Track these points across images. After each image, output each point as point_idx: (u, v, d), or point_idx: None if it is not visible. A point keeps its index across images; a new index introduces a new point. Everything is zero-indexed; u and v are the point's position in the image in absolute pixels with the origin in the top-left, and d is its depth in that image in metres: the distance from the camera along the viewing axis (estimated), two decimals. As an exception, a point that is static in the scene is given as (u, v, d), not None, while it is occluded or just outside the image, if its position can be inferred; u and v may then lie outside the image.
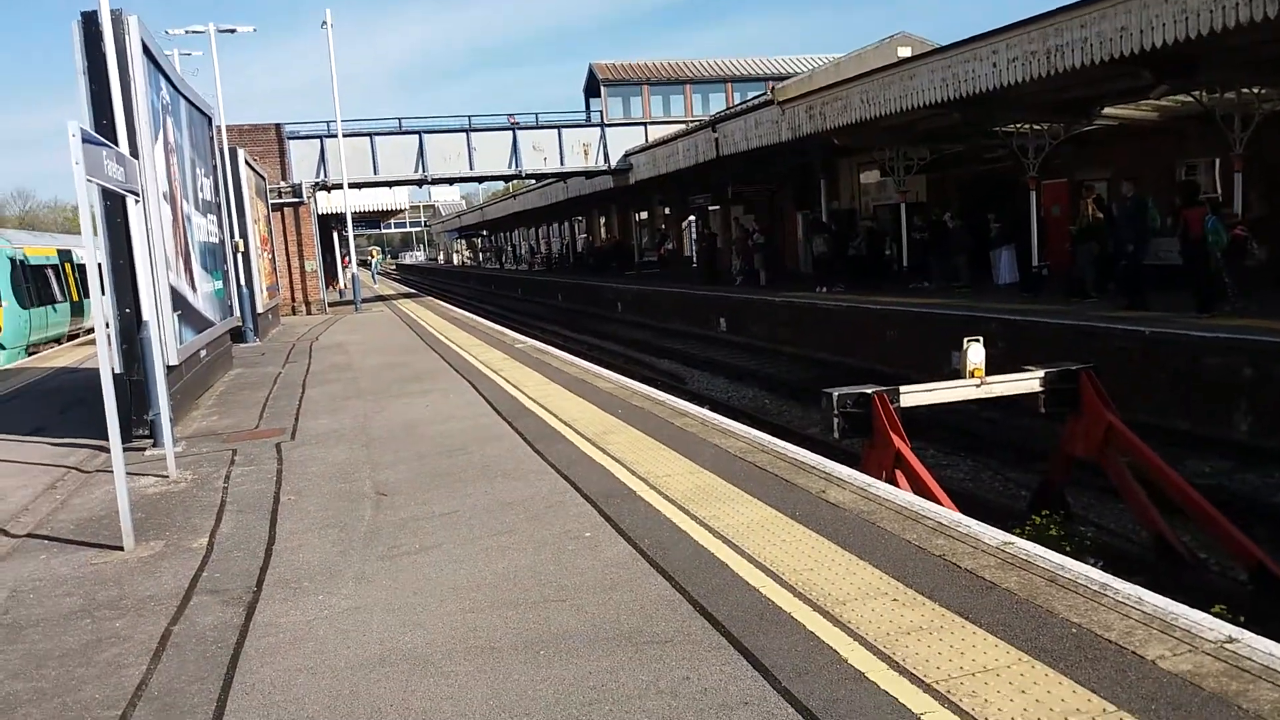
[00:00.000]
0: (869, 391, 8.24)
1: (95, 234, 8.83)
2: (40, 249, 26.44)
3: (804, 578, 4.96)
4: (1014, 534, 8.42)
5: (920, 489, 7.35)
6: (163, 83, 12.27)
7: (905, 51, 24.77)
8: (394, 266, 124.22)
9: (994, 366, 9.69)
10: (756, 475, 7.05)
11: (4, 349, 22.09)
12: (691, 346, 24.76)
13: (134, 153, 9.82)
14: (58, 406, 13.02)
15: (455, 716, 3.82)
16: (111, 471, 6.74)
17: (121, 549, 6.34)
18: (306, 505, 7.25)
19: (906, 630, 4.25)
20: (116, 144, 9.57)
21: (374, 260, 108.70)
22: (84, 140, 6.31)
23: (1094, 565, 7.94)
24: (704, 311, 27.28)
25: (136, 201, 8.57)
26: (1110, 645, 3.93)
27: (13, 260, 23.26)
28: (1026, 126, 18.91)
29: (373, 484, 7.73)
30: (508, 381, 12.57)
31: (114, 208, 9.70)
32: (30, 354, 23.06)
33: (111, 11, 9.88)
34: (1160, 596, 4.39)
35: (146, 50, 10.96)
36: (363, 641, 4.65)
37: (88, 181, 6.46)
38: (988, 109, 17.94)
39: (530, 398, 11.11)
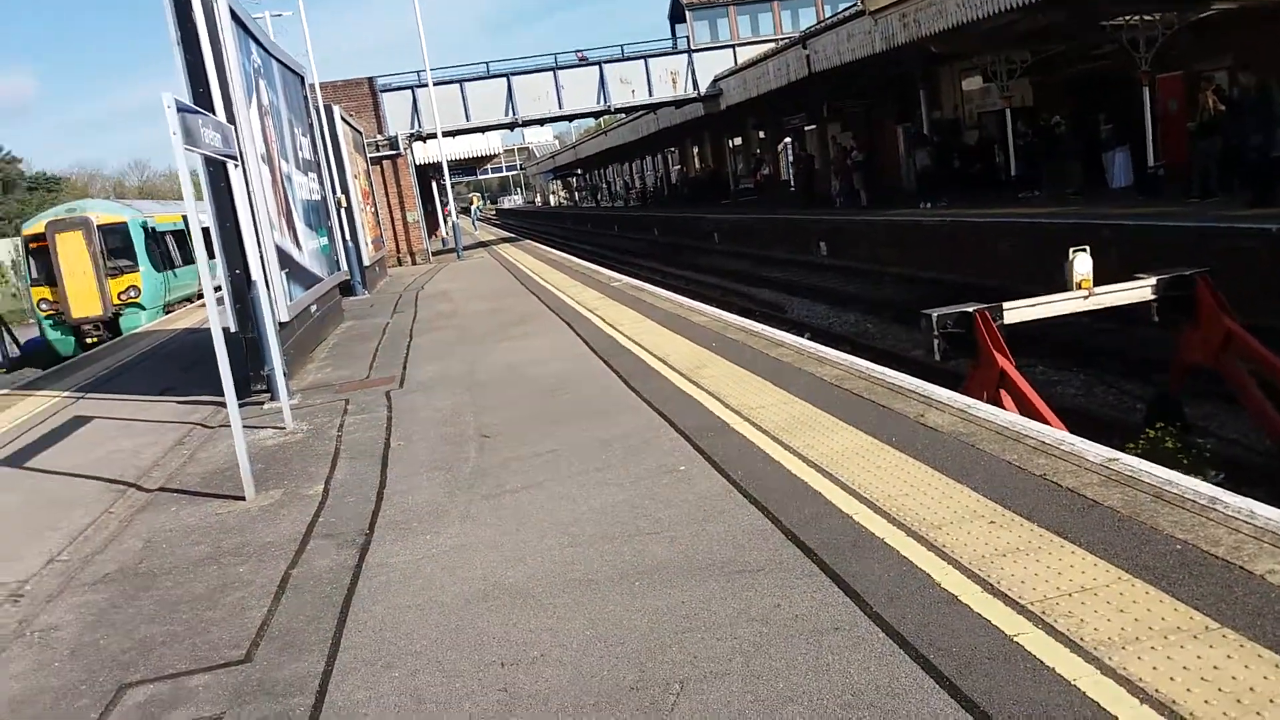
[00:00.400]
0: (970, 310, 8.00)
1: (199, 199, 9.20)
2: (166, 216, 27.81)
3: (898, 503, 4.91)
4: (1127, 449, 8.20)
5: (1026, 409, 7.14)
6: (253, 47, 12.56)
7: (1005, -51, 23.35)
8: (494, 212, 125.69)
9: (1109, 275, 9.27)
10: (852, 402, 6.97)
11: (144, 309, 23.59)
12: (791, 273, 24.42)
13: (230, 118, 10.14)
14: (182, 366, 13.77)
15: (554, 647, 3.96)
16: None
17: (243, 499, 6.72)
18: (415, 450, 7.52)
19: (1003, 552, 4.18)
20: (213, 111, 9.90)
21: (475, 207, 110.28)
22: (179, 110, 6.55)
23: (1214, 477, 7.65)
24: (803, 236, 26.80)
25: (236, 166, 8.88)
26: (1216, 561, 3.79)
27: (144, 227, 24.65)
28: (1136, 18, 17.67)
29: (476, 427, 7.95)
30: (604, 320, 12.67)
31: (217, 173, 10.04)
32: (167, 313, 24.54)
33: (202, -19, 10.13)
34: (1273, 509, 4.19)
35: (235, 17, 11.21)
36: (468, 578, 4.83)
37: (186, 150, 6.73)
38: (1092, 2, 16.83)
39: (626, 335, 11.19)
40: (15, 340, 26.75)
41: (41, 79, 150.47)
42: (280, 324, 10.46)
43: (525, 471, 6.48)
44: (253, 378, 10.55)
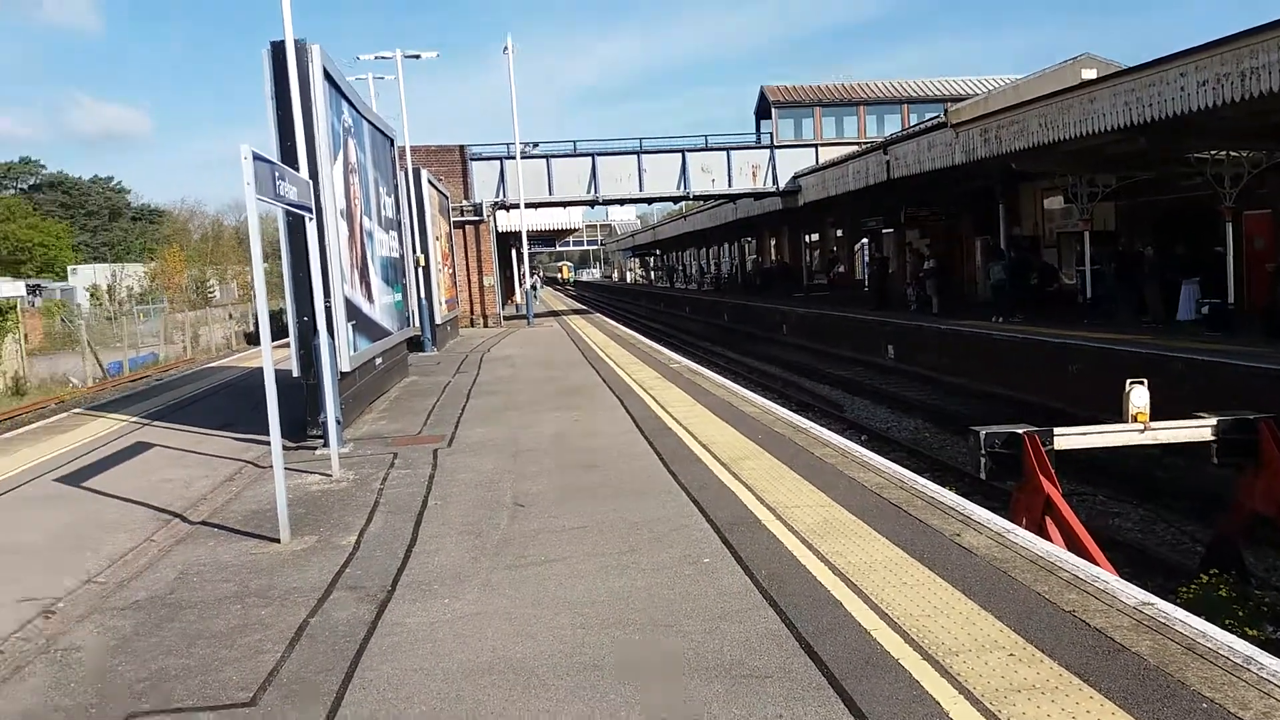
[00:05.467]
0: (1019, 431, 7.86)
1: (281, 250, 9.57)
2: None
3: (919, 623, 4.80)
4: (1177, 593, 7.90)
5: (1070, 539, 6.95)
6: (345, 106, 13.15)
7: (1089, 73, 23.46)
8: (571, 283, 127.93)
9: (1178, 410, 9.06)
10: (889, 512, 6.86)
11: None
12: (856, 373, 24.27)
13: (313, 173, 10.61)
14: (251, 403, 14.17)
15: (548, 731, 3.93)
16: (284, 469, 7.30)
17: (278, 541, 6.85)
18: (450, 511, 7.60)
19: (1018, 688, 4.05)
20: (296, 164, 10.37)
21: (562, 276, 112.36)
22: (255, 160, 6.88)
23: (1271, 633, 7.30)
24: (871, 337, 26.67)
25: (310, 219, 9.25)
26: (1243, 726, 3.61)
27: None
28: (1222, 153, 17.51)
29: (513, 494, 8.01)
30: (656, 400, 12.73)
31: (296, 223, 10.48)
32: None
33: (296, 42, 10.67)
34: (1312, 677, 3.99)
35: (329, 77, 11.78)
36: (477, 648, 4.84)
37: (258, 200, 7.04)
38: (1177, 134, 16.74)
39: (674, 418, 11.22)
40: (99, 362, 27.82)
41: (156, 115, 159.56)
42: (341, 373, 10.76)
43: (551, 545, 6.49)
44: (310, 423, 10.82)
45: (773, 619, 5.01)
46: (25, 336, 31.48)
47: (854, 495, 7.36)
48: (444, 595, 5.64)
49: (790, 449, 9.21)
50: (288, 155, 10.52)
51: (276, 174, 7.65)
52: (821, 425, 11.58)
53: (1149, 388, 8.47)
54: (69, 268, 67.28)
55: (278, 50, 10.60)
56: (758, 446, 9.37)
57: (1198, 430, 8.19)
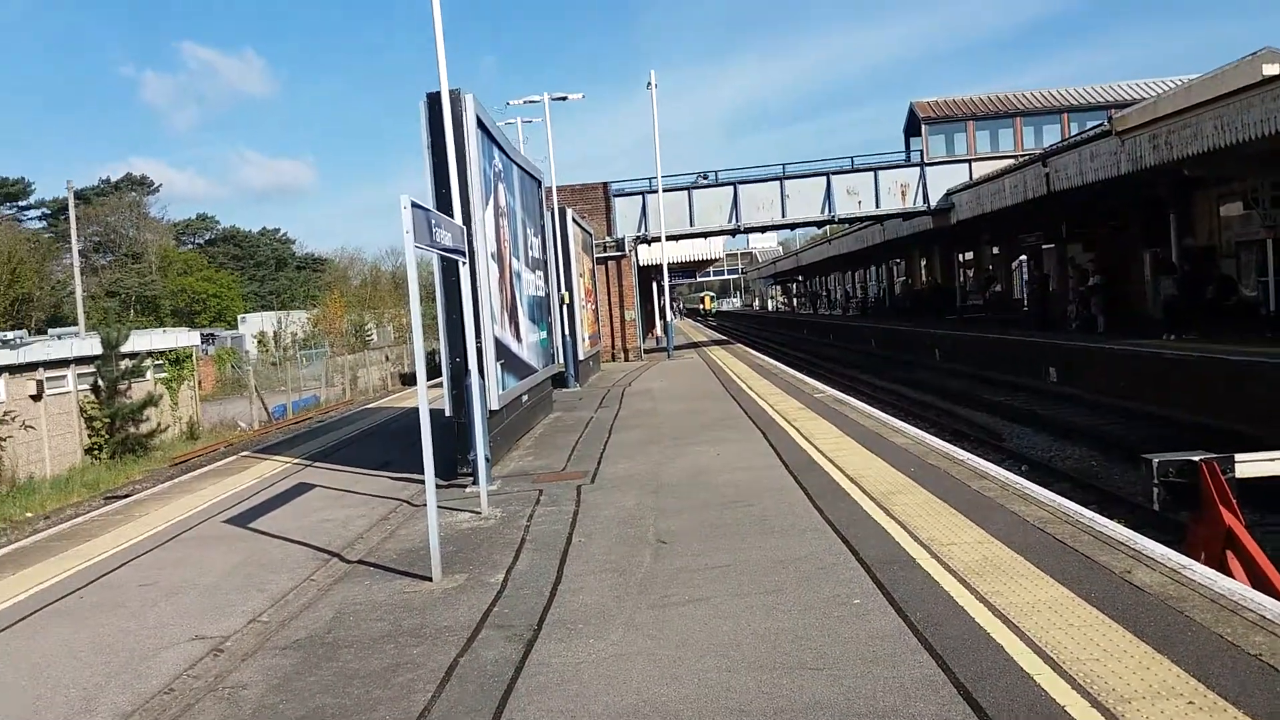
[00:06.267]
0: (1196, 459, 7.28)
1: (435, 293, 9.94)
2: None
3: (1087, 668, 4.47)
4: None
5: (1256, 575, 6.36)
6: (496, 152, 13.62)
7: (1272, 69, 21.76)
8: (713, 313, 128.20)
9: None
10: (1053, 549, 6.46)
11: None
12: (1015, 399, 23.18)
13: (466, 218, 11.00)
14: (404, 443, 14.73)
15: (692, 778, 3.84)
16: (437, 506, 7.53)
17: (430, 580, 7.04)
18: (593, 548, 7.64)
19: (1203, 745, 3.70)
20: (450, 210, 10.78)
21: (704, 308, 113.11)
22: (414, 208, 7.17)
23: None
24: (1031, 360, 25.44)
25: (463, 263, 9.57)
26: None
27: None
28: None
29: (655, 531, 7.99)
30: (800, 433, 12.49)
31: (449, 267, 10.87)
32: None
33: (451, 92, 11.12)
34: None
35: (481, 125, 12.23)
36: (622, 690, 4.81)
37: (415, 248, 7.34)
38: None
39: (820, 450, 10.97)
40: (265, 406, 29.61)
41: (319, 167, 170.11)
42: (490, 412, 11.05)
43: (695, 584, 6.42)
44: (460, 461, 11.14)
45: (928, 663, 4.78)
46: (199, 383, 33.89)
47: (1014, 531, 6.98)
48: (589, 635, 5.64)
49: (945, 482, 8.84)
50: (442, 202, 10.96)
51: (433, 221, 7.96)
52: (978, 456, 11.08)
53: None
54: (239, 316, 72.15)
55: (433, 101, 11.05)
56: (909, 480, 9.04)
57: None
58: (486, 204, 12.36)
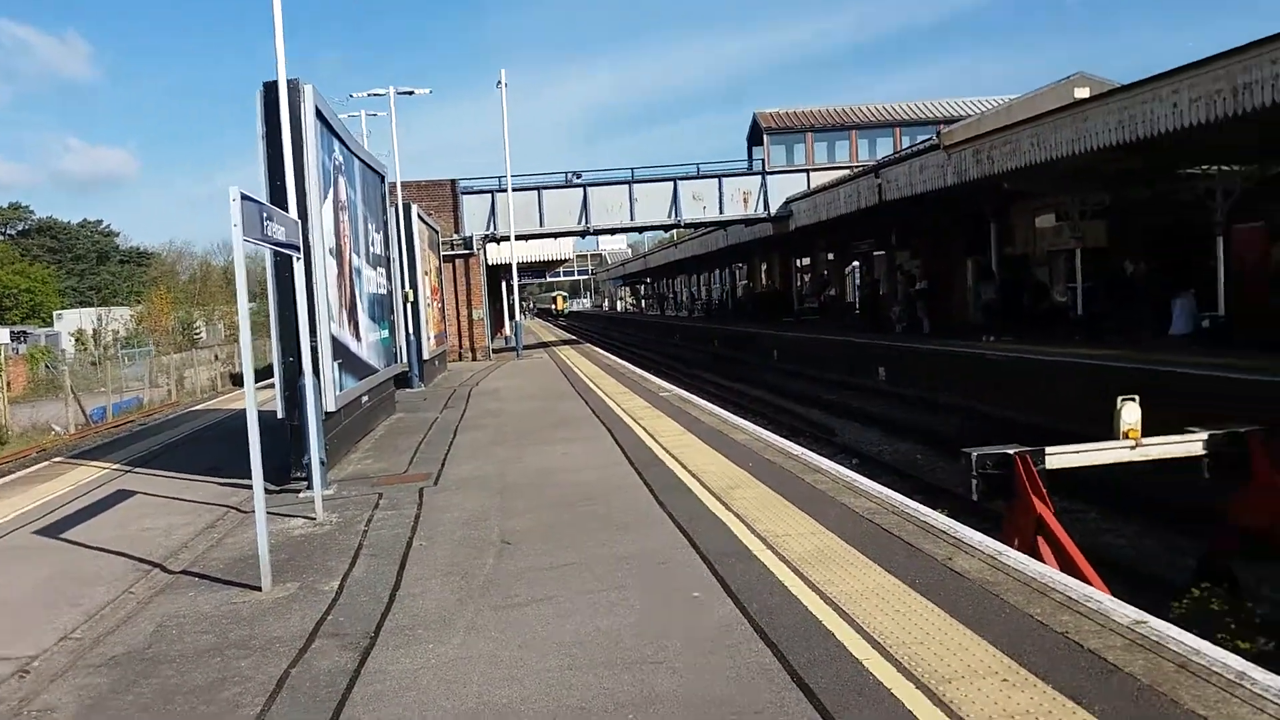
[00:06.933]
0: (1010, 452, 7.78)
1: (269, 289, 9.49)
2: None
3: (911, 651, 4.70)
4: (1170, 608, 7.79)
5: (1063, 559, 6.85)
6: (336, 145, 13.14)
7: (1083, 93, 23.62)
8: (565, 314, 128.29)
9: (1173, 425, 9.01)
10: (881, 538, 6.77)
11: None
12: (847, 397, 24.19)
13: (302, 212, 10.56)
14: (235, 447, 13.99)
15: (531, 779, 3.81)
16: (267, 513, 7.18)
17: (260, 589, 6.71)
18: (435, 552, 7.47)
19: (1012, 715, 3.95)
20: (285, 203, 10.33)
21: (557, 308, 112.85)
22: (244, 201, 6.82)
23: (1265, 645, 7.20)
24: (863, 360, 26.62)
25: (297, 258, 9.17)
26: (1242, 749, 3.52)
27: None
28: (1215, 168, 17.58)
29: (500, 532, 7.89)
30: (645, 430, 12.63)
31: (283, 262, 10.40)
32: None
33: (289, 81, 10.67)
34: (1309, 694, 3.90)
35: (321, 116, 11.78)
36: (462, 694, 4.71)
37: (245, 241, 6.98)
38: (1171, 152, 16.82)
39: (664, 448, 11.12)
40: (83, 408, 27.63)
41: (146, 155, 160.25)
42: (327, 414, 10.65)
43: (539, 584, 6.37)
44: (294, 465, 10.68)
45: (764, 652, 4.90)
46: (8, 384, 31.31)
47: (846, 522, 7.27)
48: (428, 640, 5.51)
49: (781, 476, 9.11)
50: (277, 194, 10.50)
51: (265, 214, 7.60)
52: (813, 451, 11.47)
53: (1141, 404, 8.41)
54: (55, 313, 66.98)
55: (270, 90, 10.58)
56: (749, 475, 9.28)
57: (1189, 445, 8.12)
58: (325, 198, 11.91)
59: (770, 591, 5.81)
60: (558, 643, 5.29)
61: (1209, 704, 3.85)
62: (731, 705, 4.33)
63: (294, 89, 10.78)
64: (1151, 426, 8.77)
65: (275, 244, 8.10)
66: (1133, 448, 8.07)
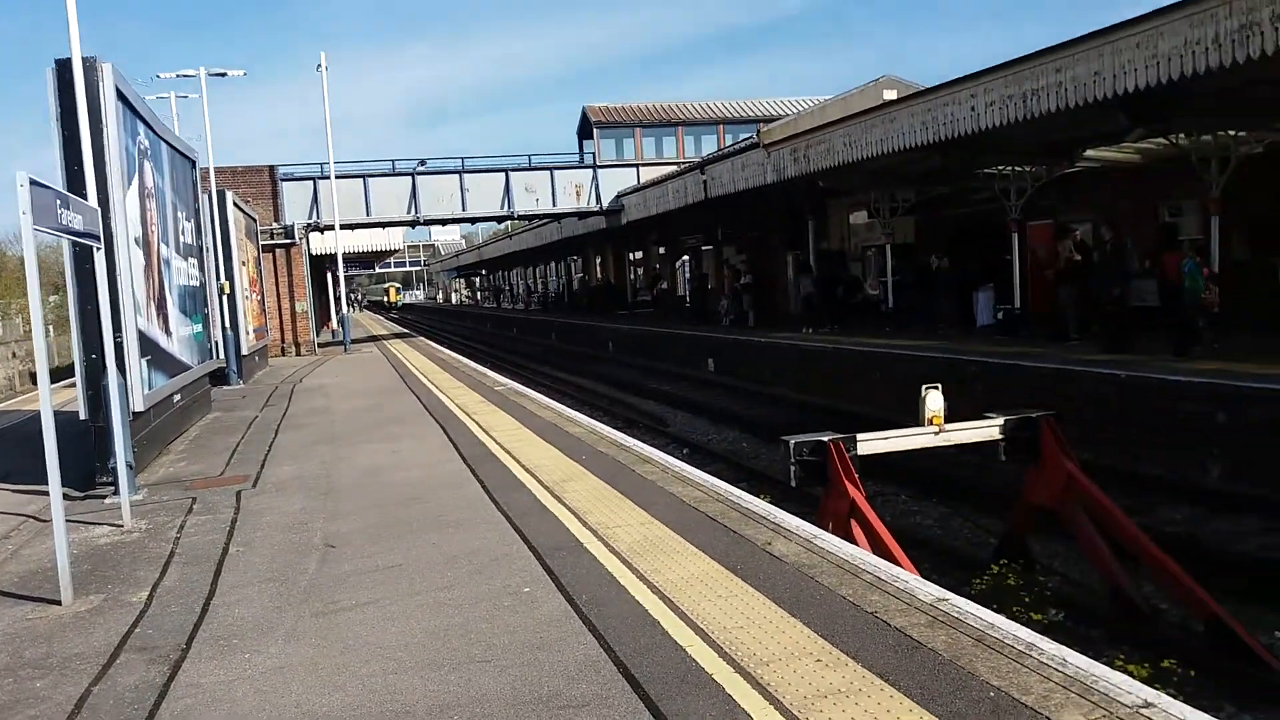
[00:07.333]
0: (825, 439, 8.18)
1: (67, 282, 8.82)
2: None
3: (732, 636, 4.89)
4: (972, 584, 8.42)
5: (874, 541, 7.27)
6: (141, 128, 12.35)
7: (891, 94, 24.99)
8: (399, 306, 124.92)
9: (973, 410, 9.66)
10: (706, 526, 6.99)
11: None
12: (679, 387, 24.73)
13: (103, 199, 9.88)
14: (32, 450, 12.93)
15: (354, 786, 3.74)
16: (68, 521, 6.70)
17: (59, 603, 6.27)
18: (253, 558, 7.18)
19: (825, 694, 4.18)
20: (84, 190, 9.64)
21: (389, 300, 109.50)
22: (34, 187, 6.32)
23: (1053, 616, 7.89)
24: (692, 352, 27.28)
25: (97, 249, 8.58)
26: (1025, 710, 3.86)
27: None
28: (1009, 169, 19.00)
29: (324, 535, 7.66)
30: (479, 426, 12.52)
31: (83, 253, 9.70)
32: None
33: (85, 60, 9.97)
34: (1084, 657, 4.32)
35: (123, 97, 11.05)
36: (279, 705, 4.56)
37: (37, 230, 6.49)
38: (970, 152, 18.04)
39: (498, 443, 11.06)
40: None
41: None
42: (134, 414, 10.03)
43: (363, 587, 6.23)
44: (99, 469, 10.02)
45: (592, 645, 4.98)
46: None
47: (673, 511, 7.46)
48: (244, 650, 5.30)
49: (613, 468, 9.25)
50: (75, 181, 9.78)
51: (59, 202, 7.08)
52: (644, 442, 11.71)
53: (946, 391, 9.00)
54: None
55: (64, 68, 9.86)
56: (582, 468, 9.36)
57: (987, 430, 8.77)
58: (130, 184, 11.18)
59: (599, 583, 5.90)
60: (382, 647, 5.19)
61: (1002, 674, 4.19)
62: (558, 700, 4.38)
63: (90, 68, 10.10)
64: (959, 412, 9.41)
65: (72, 233, 7.57)
66: (936, 433, 8.64)
